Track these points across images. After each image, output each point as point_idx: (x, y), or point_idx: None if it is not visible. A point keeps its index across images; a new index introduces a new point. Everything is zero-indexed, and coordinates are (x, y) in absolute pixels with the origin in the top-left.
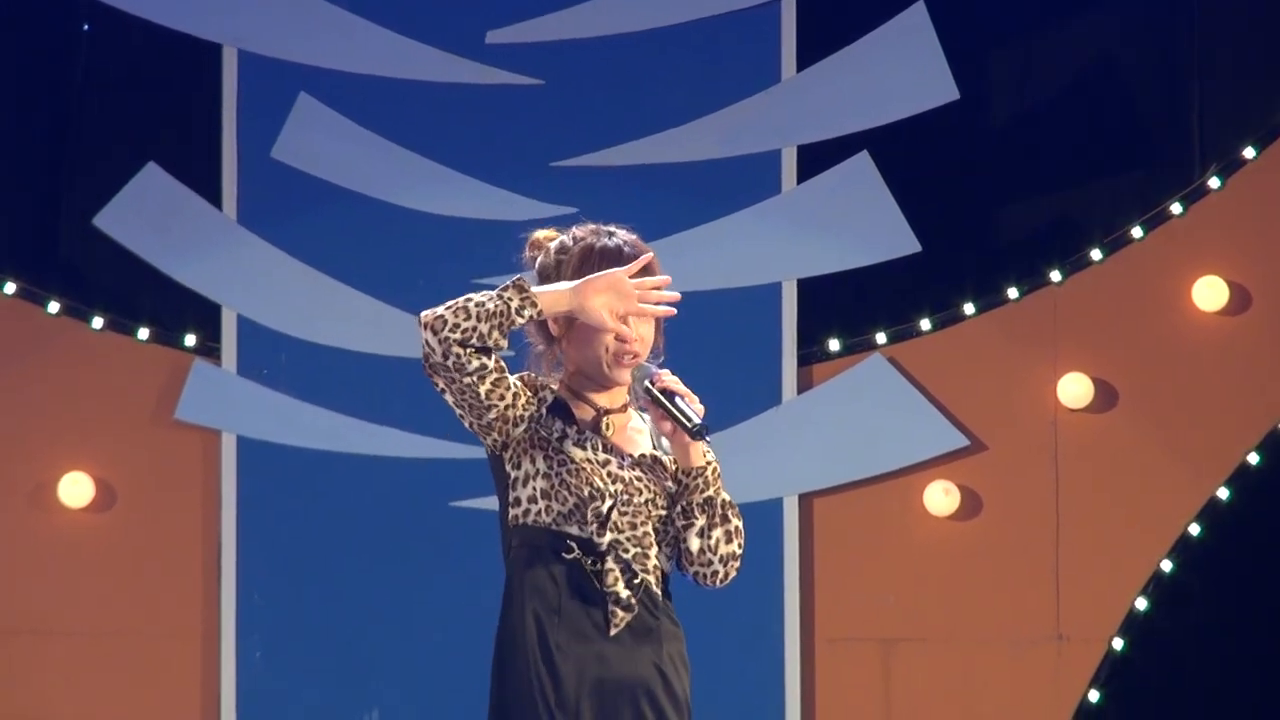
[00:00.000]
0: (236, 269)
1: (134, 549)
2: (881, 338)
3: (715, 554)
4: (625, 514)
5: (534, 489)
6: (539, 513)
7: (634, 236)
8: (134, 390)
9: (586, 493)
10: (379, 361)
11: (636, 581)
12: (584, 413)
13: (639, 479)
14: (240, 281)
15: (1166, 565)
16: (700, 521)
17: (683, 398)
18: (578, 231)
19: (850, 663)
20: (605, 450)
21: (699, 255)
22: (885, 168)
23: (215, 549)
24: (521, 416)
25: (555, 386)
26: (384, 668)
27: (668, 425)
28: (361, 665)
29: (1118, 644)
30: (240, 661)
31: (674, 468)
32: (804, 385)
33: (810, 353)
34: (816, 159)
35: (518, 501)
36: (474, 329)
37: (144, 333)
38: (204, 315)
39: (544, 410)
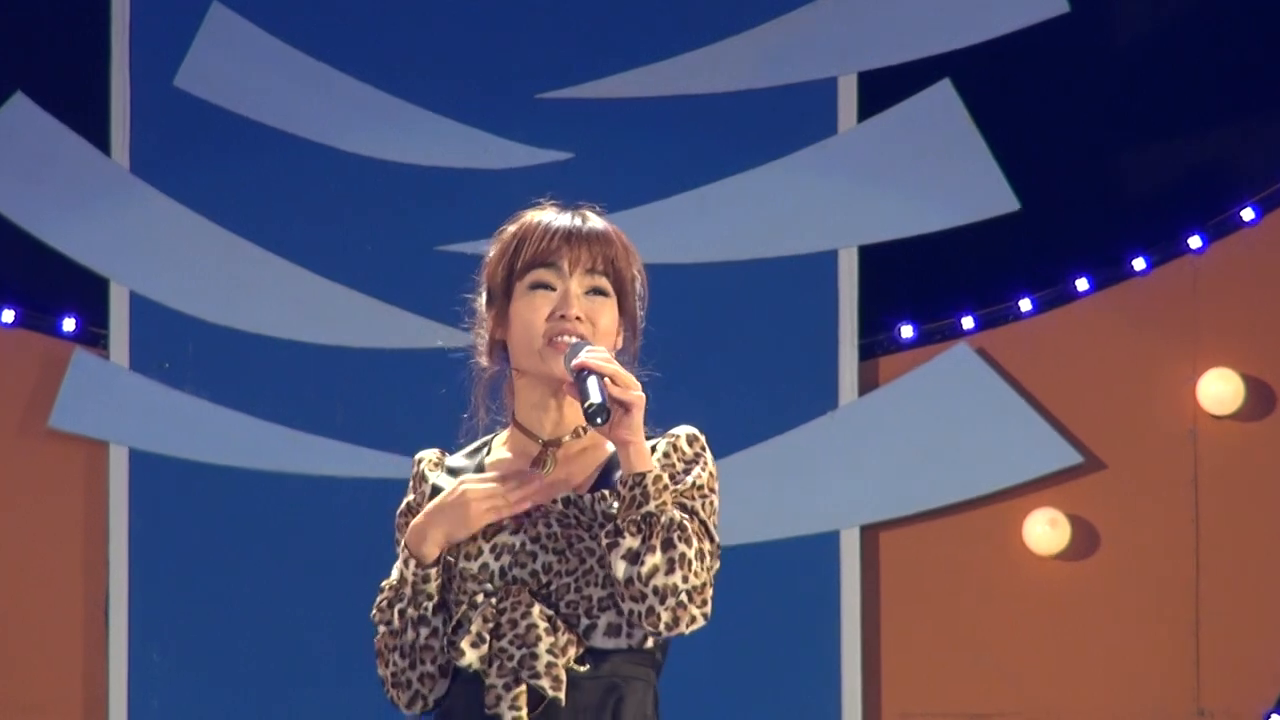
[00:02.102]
0: (129, 231)
1: None
2: (968, 322)
3: (647, 586)
4: (502, 611)
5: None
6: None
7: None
8: None
9: (464, 607)
10: (311, 353)
11: (524, 690)
12: (523, 451)
13: (533, 541)
14: (134, 248)
15: None
16: (629, 543)
17: (602, 377)
18: None
19: None
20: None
21: (732, 215)
22: (973, 102)
23: (101, 592)
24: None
25: (495, 439)
26: None
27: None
28: None
29: None
30: None
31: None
32: (867, 384)
33: (875, 342)
34: (883, 90)
35: None
36: (418, 675)
37: (9, 315)
38: (88, 292)
39: None
